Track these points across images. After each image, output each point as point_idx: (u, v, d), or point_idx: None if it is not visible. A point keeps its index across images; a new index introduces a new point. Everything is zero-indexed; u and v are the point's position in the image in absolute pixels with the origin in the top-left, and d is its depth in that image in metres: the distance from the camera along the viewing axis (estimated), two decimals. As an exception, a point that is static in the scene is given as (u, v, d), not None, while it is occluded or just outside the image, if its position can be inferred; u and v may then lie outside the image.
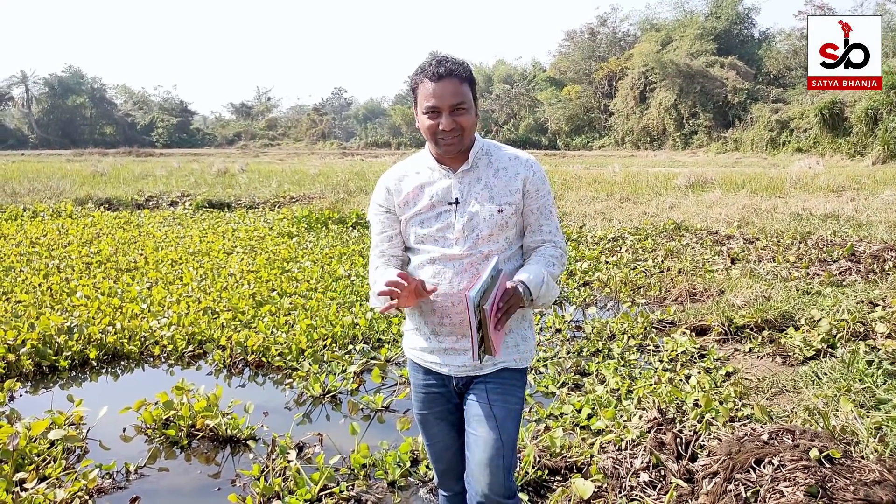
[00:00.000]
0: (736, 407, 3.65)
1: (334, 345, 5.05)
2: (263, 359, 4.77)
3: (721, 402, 3.68)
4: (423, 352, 2.09)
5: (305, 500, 2.93)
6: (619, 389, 4.04)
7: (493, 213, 1.96)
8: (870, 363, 4.01)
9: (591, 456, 3.18)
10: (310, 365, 4.59)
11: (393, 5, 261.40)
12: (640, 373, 4.38)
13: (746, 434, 3.03)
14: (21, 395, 4.31)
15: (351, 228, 10.97)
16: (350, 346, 5.05)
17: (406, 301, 1.82)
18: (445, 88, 1.88)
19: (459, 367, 2.02)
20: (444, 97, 1.88)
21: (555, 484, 3.04)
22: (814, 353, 4.51)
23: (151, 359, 4.96)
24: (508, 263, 2.01)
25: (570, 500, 2.83)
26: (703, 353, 4.79)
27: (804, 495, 2.45)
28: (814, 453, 2.65)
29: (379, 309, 1.94)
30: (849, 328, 4.71)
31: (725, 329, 5.15)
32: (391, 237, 2.07)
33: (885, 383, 3.68)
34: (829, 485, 2.51)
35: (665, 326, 5.50)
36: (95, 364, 4.81)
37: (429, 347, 2.06)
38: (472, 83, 1.96)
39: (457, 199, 1.98)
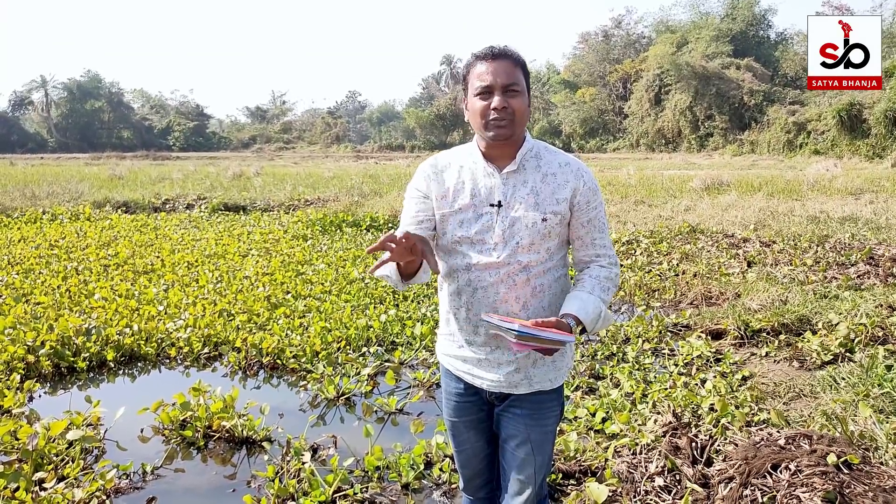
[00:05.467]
0: (752, 411, 3.62)
1: (348, 347, 5.07)
2: (278, 361, 4.80)
3: (737, 407, 3.65)
4: (457, 360, 2.02)
5: (320, 502, 2.94)
6: (633, 393, 4.02)
7: (536, 221, 1.84)
8: (889, 368, 3.96)
9: (606, 460, 3.17)
10: (324, 367, 4.61)
11: (406, 9, 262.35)
12: (655, 377, 4.36)
13: (763, 439, 3.01)
14: (40, 396, 4.37)
15: (365, 231, 11.00)
16: (364, 349, 5.07)
17: (398, 256, 1.66)
18: (499, 67, 1.80)
19: (493, 383, 1.94)
20: (498, 75, 1.79)
21: (569, 488, 3.03)
22: (831, 357, 4.46)
23: (168, 360, 5.00)
24: (548, 275, 1.90)
25: (584, 504, 2.82)
26: (719, 357, 4.76)
27: (822, 501, 2.42)
28: (831, 459, 2.62)
29: (385, 277, 1.85)
30: (867, 332, 4.66)
31: (741, 333, 5.11)
32: (420, 221, 1.94)
33: (904, 388, 3.63)
34: (847, 491, 2.48)
35: (680, 330, 5.46)
36: (113, 365, 4.87)
37: (462, 356, 1.99)
38: (526, 72, 1.87)
39: (500, 201, 1.86)
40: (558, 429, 3.55)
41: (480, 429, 2.08)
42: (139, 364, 4.96)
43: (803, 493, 2.49)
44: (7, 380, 4.27)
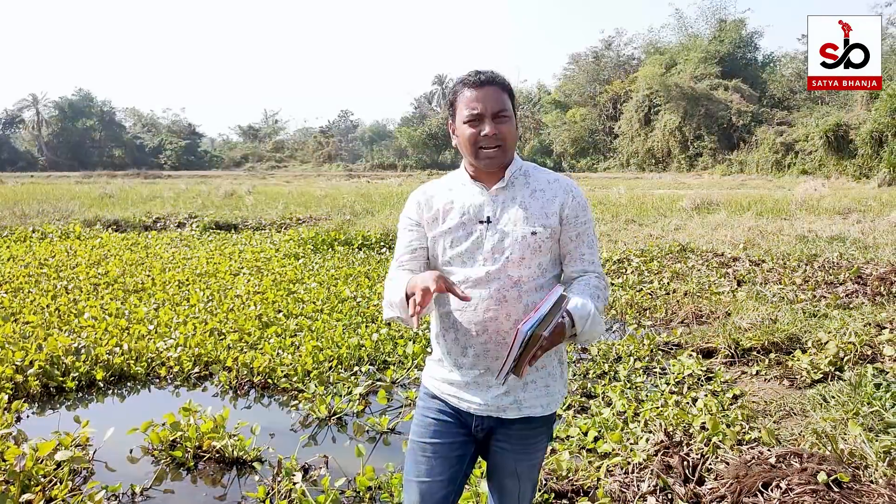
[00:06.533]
0: (743, 430, 3.63)
1: (340, 366, 5.05)
2: (269, 380, 4.78)
3: (728, 426, 3.66)
4: (444, 383, 1.96)
5: (311, 523, 2.92)
6: (625, 412, 4.02)
7: (525, 234, 1.84)
8: (878, 386, 3.99)
9: (598, 479, 3.16)
10: (315, 386, 4.59)
11: (399, 28, 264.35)
12: (647, 395, 4.37)
13: (754, 457, 3.02)
14: (28, 416, 4.32)
15: (357, 250, 11.00)
16: (356, 368, 5.05)
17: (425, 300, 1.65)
18: (487, 94, 1.82)
19: (480, 406, 1.88)
20: (487, 102, 1.81)
21: (561, 507, 3.02)
22: (821, 375, 4.49)
23: (158, 380, 4.97)
24: (540, 292, 1.86)
25: (576, 524, 2.81)
26: (710, 375, 4.78)
27: (813, 520, 2.43)
28: (822, 477, 2.64)
29: (395, 318, 1.84)
30: (856, 351, 4.69)
31: (732, 351, 5.14)
32: (415, 249, 1.96)
33: (893, 406, 3.65)
34: (837, 509, 2.49)
35: (671, 349, 5.48)
36: (102, 385, 4.83)
37: (450, 380, 1.94)
38: (512, 96, 1.89)
39: (489, 217, 1.87)
40: (550, 448, 3.56)
41: (449, 459, 1.92)
42: (129, 384, 4.92)
43: (794, 511, 2.50)
44: (-6, 400, 4.23)
